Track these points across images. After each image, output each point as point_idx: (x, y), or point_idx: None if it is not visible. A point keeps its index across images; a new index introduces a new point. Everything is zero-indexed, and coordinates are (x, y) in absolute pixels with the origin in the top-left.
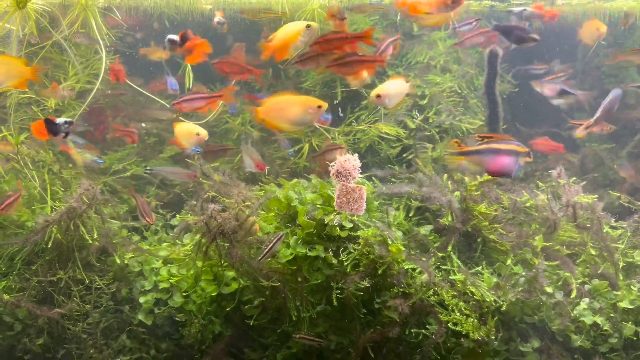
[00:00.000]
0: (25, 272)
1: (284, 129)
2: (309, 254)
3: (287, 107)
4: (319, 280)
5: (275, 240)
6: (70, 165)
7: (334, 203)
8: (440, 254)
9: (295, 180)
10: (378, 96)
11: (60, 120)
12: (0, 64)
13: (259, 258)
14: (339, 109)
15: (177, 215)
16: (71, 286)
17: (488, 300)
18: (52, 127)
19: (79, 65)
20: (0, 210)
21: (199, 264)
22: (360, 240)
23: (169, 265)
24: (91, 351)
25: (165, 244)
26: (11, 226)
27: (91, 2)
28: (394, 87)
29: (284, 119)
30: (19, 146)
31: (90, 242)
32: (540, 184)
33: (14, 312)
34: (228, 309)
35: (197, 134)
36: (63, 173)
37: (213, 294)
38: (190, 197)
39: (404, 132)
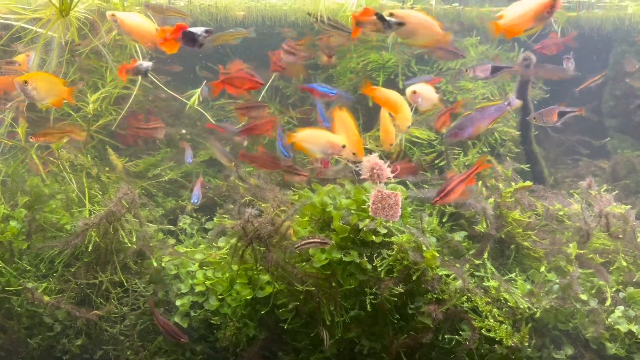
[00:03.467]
0: (64, 274)
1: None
2: (344, 259)
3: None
4: (353, 285)
5: (312, 240)
6: (107, 168)
7: (369, 209)
8: (475, 261)
9: (331, 185)
10: (414, 92)
11: (200, 30)
12: (44, 81)
13: (297, 245)
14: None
15: (214, 218)
16: (109, 288)
17: (522, 307)
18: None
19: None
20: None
21: (235, 267)
22: (394, 246)
23: (204, 268)
24: (128, 352)
25: (201, 247)
26: (51, 229)
27: (127, 9)
28: (428, 92)
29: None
30: (59, 151)
31: (129, 245)
32: (573, 193)
33: (54, 313)
34: (262, 313)
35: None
36: (101, 177)
37: (248, 298)
38: (223, 201)
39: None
